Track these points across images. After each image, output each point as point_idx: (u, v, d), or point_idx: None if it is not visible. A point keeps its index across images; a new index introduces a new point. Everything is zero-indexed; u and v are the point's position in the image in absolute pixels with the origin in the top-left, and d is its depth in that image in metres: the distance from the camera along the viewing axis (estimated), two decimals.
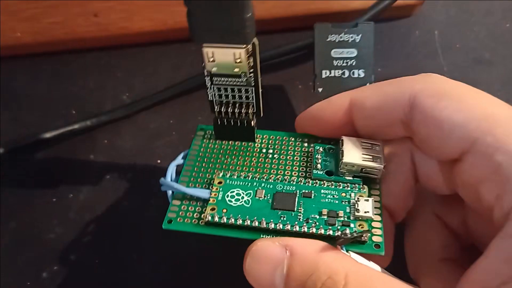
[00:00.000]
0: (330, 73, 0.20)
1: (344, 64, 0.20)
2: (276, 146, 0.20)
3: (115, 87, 0.27)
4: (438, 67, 0.26)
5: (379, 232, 0.16)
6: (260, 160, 0.19)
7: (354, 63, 0.20)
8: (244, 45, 0.16)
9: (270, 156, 0.19)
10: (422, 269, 0.18)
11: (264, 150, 0.20)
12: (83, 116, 0.26)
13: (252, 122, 0.19)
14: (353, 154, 0.18)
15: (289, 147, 0.20)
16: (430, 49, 0.27)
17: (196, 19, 0.15)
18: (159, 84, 0.27)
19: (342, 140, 0.18)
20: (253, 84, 0.17)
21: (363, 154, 0.18)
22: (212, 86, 0.18)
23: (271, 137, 0.20)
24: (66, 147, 0.25)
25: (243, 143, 0.20)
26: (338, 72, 0.20)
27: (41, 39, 0.28)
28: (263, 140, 0.20)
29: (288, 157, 0.19)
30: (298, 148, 0.20)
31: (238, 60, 0.16)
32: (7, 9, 0.28)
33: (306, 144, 0.20)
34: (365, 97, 0.17)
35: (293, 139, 0.20)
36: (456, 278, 0.15)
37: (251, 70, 0.17)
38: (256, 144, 0.20)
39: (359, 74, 0.20)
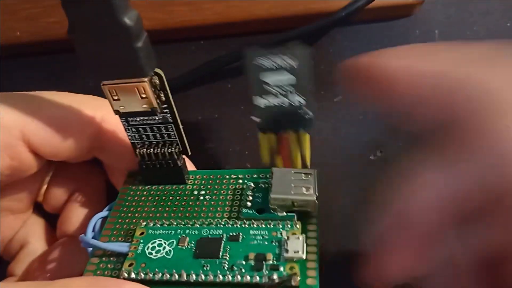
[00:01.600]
0: (268, 101, 0.18)
1: (283, 92, 0.18)
2: (209, 186, 0.19)
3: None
4: None
5: (313, 273, 0.15)
6: (190, 203, 0.18)
7: (292, 90, 0.18)
8: (145, 79, 0.15)
9: (202, 198, 0.18)
10: None
11: (195, 192, 0.18)
12: None
13: (179, 162, 0.18)
14: (282, 187, 0.16)
15: (223, 186, 0.18)
16: None
17: (87, 54, 0.14)
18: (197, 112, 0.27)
19: (272, 172, 0.17)
20: (170, 120, 0.16)
21: (294, 186, 0.16)
22: (129, 128, 0.17)
23: (205, 176, 0.19)
24: None
25: (174, 186, 0.19)
26: (276, 101, 0.18)
27: (41, 38, 0.28)
28: (196, 181, 0.19)
29: (220, 197, 0.18)
30: (232, 186, 0.18)
31: (144, 95, 0.15)
32: (7, 9, 0.28)
33: (240, 181, 0.18)
34: None
35: (227, 176, 0.19)
36: None
37: (164, 106, 0.16)
38: (188, 186, 0.19)
39: (299, 102, 0.17)
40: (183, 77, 0.26)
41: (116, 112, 0.16)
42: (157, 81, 0.15)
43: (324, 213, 0.23)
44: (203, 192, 0.18)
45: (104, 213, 0.18)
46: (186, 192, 0.19)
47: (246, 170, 0.19)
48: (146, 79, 0.15)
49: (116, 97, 0.15)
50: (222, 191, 0.18)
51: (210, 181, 0.19)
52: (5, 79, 0.28)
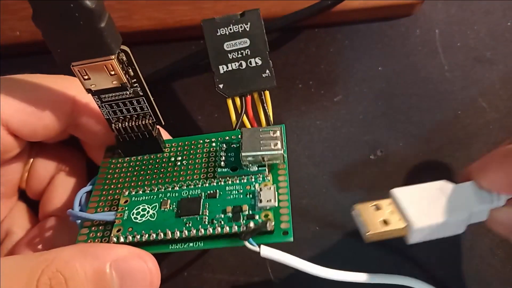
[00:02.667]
0: (227, 67, 0.20)
1: (240, 55, 0.20)
2: (185, 152, 0.20)
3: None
4: (439, 66, 0.26)
5: (286, 218, 0.16)
6: (168, 169, 0.19)
7: (248, 52, 0.19)
8: (112, 56, 0.15)
9: (179, 163, 0.19)
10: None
11: (172, 159, 0.20)
12: None
13: (153, 133, 0.19)
14: (252, 145, 0.17)
15: (198, 150, 0.20)
16: (430, 48, 0.27)
17: (53, 38, 0.14)
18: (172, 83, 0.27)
19: (242, 132, 0.18)
20: (141, 93, 0.17)
21: (262, 142, 0.17)
22: (103, 105, 0.17)
23: (180, 143, 0.20)
24: None
25: (152, 156, 0.20)
26: (235, 64, 0.20)
27: (41, 38, 0.28)
28: (172, 149, 0.20)
29: (196, 161, 0.19)
30: (206, 150, 0.20)
31: (112, 73, 0.16)
32: (7, 8, 0.28)
33: (214, 144, 0.20)
34: None
35: (201, 141, 0.20)
36: None
37: (134, 80, 0.17)
38: (165, 154, 0.20)
39: (256, 63, 0.19)
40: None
41: (88, 90, 0.17)
42: (124, 57, 0.16)
43: (325, 213, 0.23)
44: (179, 158, 0.20)
45: (88, 187, 0.19)
46: (164, 160, 0.20)
47: (218, 134, 0.20)
48: (113, 57, 0.15)
49: (86, 77, 0.16)
50: (197, 155, 0.19)
51: (186, 147, 0.20)
52: None
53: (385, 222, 0.16)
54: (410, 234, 0.16)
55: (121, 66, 0.16)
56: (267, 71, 0.20)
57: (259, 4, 0.26)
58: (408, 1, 0.27)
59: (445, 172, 0.24)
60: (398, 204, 0.16)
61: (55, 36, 0.14)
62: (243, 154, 0.17)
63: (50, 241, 0.20)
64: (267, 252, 0.16)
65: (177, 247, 0.17)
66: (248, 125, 0.20)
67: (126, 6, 0.27)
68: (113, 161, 0.20)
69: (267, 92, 0.20)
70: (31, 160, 0.22)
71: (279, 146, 0.17)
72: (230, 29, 0.19)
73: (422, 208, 0.16)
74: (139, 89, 0.17)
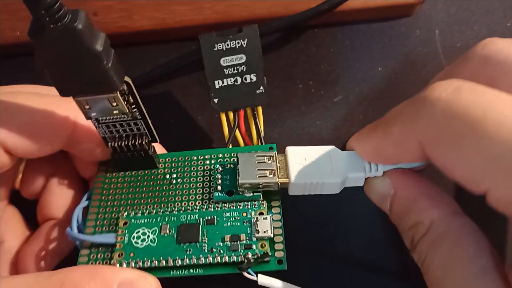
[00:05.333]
0: (223, 82, 0.20)
1: (235, 71, 0.20)
2: (179, 169, 0.20)
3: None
4: (439, 66, 0.26)
5: (280, 246, 0.17)
6: (164, 187, 0.19)
7: (244, 69, 0.20)
8: (116, 92, 0.15)
9: (174, 181, 0.19)
10: None
11: (167, 176, 0.20)
12: None
13: (149, 152, 0.19)
14: (248, 172, 0.18)
15: (192, 168, 0.20)
16: (430, 48, 0.27)
17: (56, 74, 0.14)
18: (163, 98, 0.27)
19: (238, 157, 0.18)
20: (139, 117, 0.17)
21: (258, 170, 0.18)
22: (100, 125, 0.17)
23: (174, 159, 0.20)
24: None
25: (146, 171, 0.20)
26: (231, 80, 0.20)
27: None
28: (166, 165, 0.20)
29: (191, 179, 0.19)
30: (200, 168, 0.20)
31: (115, 104, 0.16)
32: (7, 8, 0.28)
33: (207, 162, 0.20)
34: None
35: (195, 158, 0.20)
36: None
37: (133, 106, 0.17)
38: (159, 170, 0.20)
39: (251, 79, 0.20)
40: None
41: (88, 118, 0.17)
42: (125, 87, 0.16)
43: (326, 212, 0.23)
44: (174, 176, 0.20)
45: (84, 203, 0.19)
46: (159, 177, 0.20)
47: (212, 150, 0.20)
48: (117, 92, 0.15)
49: (87, 107, 0.16)
50: (192, 173, 0.20)
51: (180, 163, 0.20)
52: (5, 78, 0.28)
53: (272, 172, 0.18)
54: (289, 187, 0.18)
55: (123, 97, 0.16)
56: (261, 88, 0.20)
57: (259, 4, 0.26)
58: (408, 1, 0.27)
59: None
60: (287, 160, 0.18)
61: (58, 72, 0.14)
62: (240, 181, 0.18)
63: (55, 249, 0.20)
64: (264, 280, 0.17)
65: (178, 273, 0.17)
66: (240, 139, 0.21)
67: (126, 6, 0.27)
68: (107, 175, 0.20)
69: (259, 108, 0.21)
70: (25, 160, 0.21)
71: (274, 173, 0.18)
72: (227, 45, 0.20)
73: (304, 167, 0.17)
74: (137, 113, 0.17)
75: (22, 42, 0.28)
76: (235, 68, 0.20)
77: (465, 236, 0.14)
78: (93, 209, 0.19)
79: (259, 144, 0.21)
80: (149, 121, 0.18)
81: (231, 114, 0.21)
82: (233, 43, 0.19)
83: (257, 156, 0.18)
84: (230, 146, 0.21)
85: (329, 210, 0.22)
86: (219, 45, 0.19)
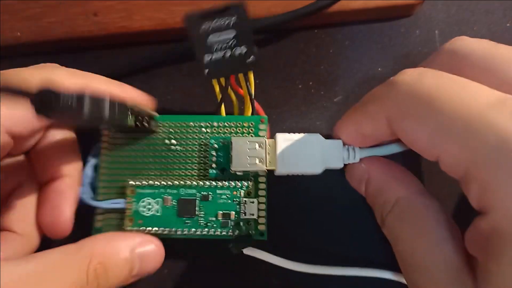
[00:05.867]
0: (213, 56, 0.20)
1: (225, 45, 0.20)
2: (177, 135, 0.22)
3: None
4: None
5: (263, 220, 0.21)
6: (164, 153, 0.22)
7: (234, 43, 0.20)
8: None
9: (173, 147, 0.22)
10: None
11: (167, 141, 0.22)
12: None
13: (152, 127, 0.21)
14: (240, 159, 0.20)
15: (188, 135, 0.22)
16: (430, 49, 0.27)
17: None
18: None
19: (231, 142, 0.20)
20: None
21: (249, 156, 0.20)
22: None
23: (171, 124, 0.22)
24: None
25: (148, 136, 0.22)
26: (220, 53, 0.20)
27: (41, 38, 0.28)
28: (164, 129, 0.22)
29: (188, 148, 0.22)
30: (196, 136, 0.22)
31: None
32: (7, 9, 0.28)
33: (203, 130, 0.22)
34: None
35: (191, 124, 0.22)
36: None
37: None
38: (158, 135, 0.22)
39: (241, 51, 0.20)
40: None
41: None
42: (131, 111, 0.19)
43: (328, 213, 0.23)
44: (174, 141, 0.22)
45: (93, 160, 0.22)
46: (158, 142, 0.22)
47: (207, 117, 0.22)
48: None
49: None
50: (188, 141, 0.22)
51: (177, 129, 0.22)
52: None
53: (261, 160, 0.20)
54: (275, 172, 0.20)
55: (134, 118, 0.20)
56: (252, 57, 0.20)
57: (259, 4, 0.26)
58: (407, 1, 0.27)
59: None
60: (276, 147, 0.20)
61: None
62: (232, 168, 0.20)
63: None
64: (249, 252, 0.20)
65: (178, 236, 0.21)
66: (233, 95, 0.22)
67: (126, 6, 0.27)
68: (111, 142, 0.22)
69: (250, 74, 0.22)
70: None
71: (263, 161, 0.20)
72: (216, 23, 0.20)
73: (290, 156, 0.20)
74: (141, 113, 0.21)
75: (22, 43, 0.28)
76: (225, 42, 0.20)
77: (426, 211, 0.16)
78: (102, 176, 0.22)
79: (249, 105, 0.22)
80: (151, 111, 0.21)
81: (222, 80, 0.22)
82: (221, 20, 0.19)
83: (249, 142, 0.20)
84: (223, 108, 0.22)
85: (312, 187, 0.24)
86: (207, 23, 0.19)
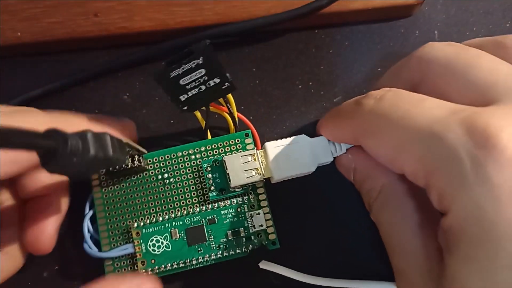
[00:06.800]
0: (188, 95, 0.20)
1: (198, 83, 0.20)
2: (169, 168, 0.22)
3: (115, 87, 0.27)
4: None
5: (271, 230, 0.21)
6: (160, 189, 0.21)
7: (206, 78, 0.20)
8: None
9: (167, 181, 0.21)
10: None
11: (159, 177, 0.21)
12: None
13: (142, 165, 0.21)
14: (237, 175, 0.20)
15: (180, 165, 0.22)
16: None
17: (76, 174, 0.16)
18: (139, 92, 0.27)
19: (225, 161, 0.20)
20: (134, 154, 0.21)
21: (245, 171, 0.20)
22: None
23: (160, 158, 0.22)
24: None
25: (139, 175, 0.22)
26: (195, 90, 0.20)
27: (41, 39, 0.28)
28: (155, 165, 0.22)
29: (182, 177, 0.21)
30: (188, 164, 0.22)
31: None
32: (7, 9, 0.28)
33: (193, 157, 0.22)
34: None
35: (180, 154, 0.22)
36: None
37: (135, 153, 0.21)
38: (150, 172, 0.22)
39: (215, 82, 0.20)
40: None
41: None
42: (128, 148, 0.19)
43: (330, 214, 0.23)
44: (166, 175, 0.22)
45: (90, 212, 0.21)
46: (152, 179, 0.22)
47: (193, 144, 0.22)
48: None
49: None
50: (181, 171, 0.22)
51: (167, 162, 0.22)
52: (5, 79, 0.28)
53: (257, 171, 0.20)
54: (271, 180, 0.21)
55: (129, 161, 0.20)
56: (226, 84, 0.20)
57: (259, 5, 0.27)
58: (407, 2, 0.27)
59: None
60: (268, 156, 0.20)
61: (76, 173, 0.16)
62: (232, 185, 0.20)
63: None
64: (265, 266, 0.20)
65: (193, 266, 0.21)
66: (226, 115, 0.23)
67: (127, 7, 0.27)
68: (104, 189, 0.21)
69: (230, 97, 0.22)
70: None
71: (258, 172, 0.20)
72: (183, 69, 0.19)
73: (282, 162, 0.20)
74: (135, 153, 0.21)
75: (22, 43, 0.28)
76: (197, 81, 0.20)
77: (405, 198, 0.17)
78: (102, 226, 0.21)
79: (234, 126, 0.23)
80: (140, 148, 0.21)
81: (203, 108, 0.22)
82: (188, 65, 0.19)
83: (241, 156, 0.20)
84: (209, 132, 0.23)
85: (309, 187, 0.24)
86: (174, 72, 0.19)
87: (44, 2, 0.27)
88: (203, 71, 0.19)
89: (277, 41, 0.28)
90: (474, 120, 0.13)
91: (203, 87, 0.20)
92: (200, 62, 0.19)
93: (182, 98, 0.20)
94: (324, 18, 0.27)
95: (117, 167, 0.20)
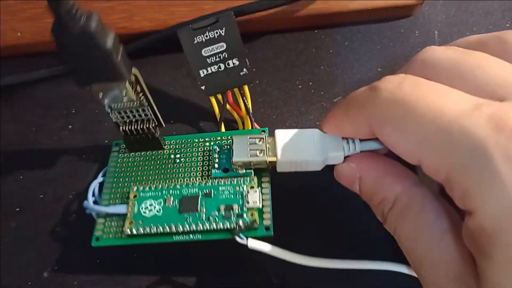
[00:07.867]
0: (207, 70, 0.21)
1: (218, 59, 0.21)
2: (182, 150, 0.22)
3: None
4: None
5: (268, 216, 0.20)
6: (169, 166, 0.22)
7: (226, 55, 0.21)
8: (125, 81, 0.18)
9: (178, 160, 0.22)
10: None
11: (172, 156, 0.22)
12: (83, 116, 0.26)
13: (156, 134, 0.21)
14: (241, 152, 0.20)
15: (193, 149, 0.22)
16: None
17: (74, 65, 0.17)
18: (160, 83, 0.27)
19: (232, 139, 0.20)
20: (146, 104, 0.20)
21: (250, 150, 0.20)
22: (112, 111, 0.20)
23: (178, 141, 0.23)
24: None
25: (154, 152, 0.22)
26: (214, 67, 0.21)
27: (42, 38, 0.28)
28: (171, 146, 0.23)
29: (192, 159, 0.22)
30: (201, 149, 0.22)
31: (124, 93, 0.19)
32: (8, 9, 0.28)
33: (207, 144, 0.22)
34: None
35: (196, 140, 0.22)
36: None
37: (140, 94, 0.19)
38: (165, 151, 0.22)
39: (234, 63, 0.21)
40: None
41: (103, 105, 0.19)
42: (133, 78, 0.18)
43: (333, 215, 0.23)
44: (178, 156, 0.22)
45: (100, 179, 0.22)
46: (165, 157, 0.22)
47: (211, 134, 0.23)
48: (126, 81, 0.18)
49: (101, 96, 0.19)
50: (193, 153, 0.22)
51: (183, 145, 0.22)
52: (5, 79, 0.28)
53: (261, 152, 0.20)
54: (277, 165, 0.20)
55: (131, 86, 0.18)
56: (244, 70, 0.21)
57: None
58: (407, 2, 0.27)
59: None
60: (275, 141, 0.20)
61: (77, 64, 0.16)
62: (234, 160, 0.20)
63: None
64: (253, 244, 0.19)
65: (179, 238, 0.20)
66: (233, 112, 0.23)
67: (127, 7, 0.27)
68: (120, 155, 0.22)
69: (245, 87, 0.22)
70: None
71: (263, 153, 0.20)
72: (206, 36, 0.20)
73: (290, 147, 0.19)
74: (144, 101, 0.20)
75: (23, 43, 0.28)
76: (217, 56, 0.21)
77: (425, 204, 0.16)
78: (108, 184, 0.22)
79: (249, 120, 0.23)
80: (155, 108, 0.20)
81: (219, 96, 0.22)
82: (211, 33, 0.20)
83: (249, 138, 0.20)
84: (223, 125, 0.23)
85: (315, 185, 0.24)
86: (199, 37, 0.20)
87: (45, 2, 0.27)
88: (224, 45, 0.20)
89: (277, 41, 0.28)
90: (502, 116, 0.13)
91: (222, 66, 0.21)
92: (223, 33, 0.20)
93: (202, 73, 0.21)
94: (324, 18, 0.27)
95: (137, 128, 0.20)
